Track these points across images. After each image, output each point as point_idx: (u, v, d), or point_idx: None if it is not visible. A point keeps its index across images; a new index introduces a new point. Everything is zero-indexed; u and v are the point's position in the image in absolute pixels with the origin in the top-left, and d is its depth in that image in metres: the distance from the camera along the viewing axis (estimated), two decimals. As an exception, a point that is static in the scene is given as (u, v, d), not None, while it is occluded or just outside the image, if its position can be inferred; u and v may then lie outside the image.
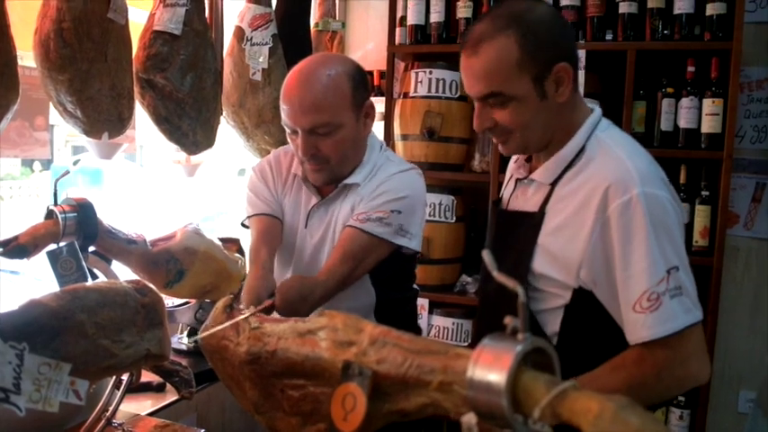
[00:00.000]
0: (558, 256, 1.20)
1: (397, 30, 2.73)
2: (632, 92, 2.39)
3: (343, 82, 1.43)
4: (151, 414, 1.49)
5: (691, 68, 2.37)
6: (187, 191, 2.57)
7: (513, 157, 1.45)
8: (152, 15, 1.80)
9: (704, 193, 2.39)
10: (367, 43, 3.00)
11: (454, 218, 2.64)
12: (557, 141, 1.26)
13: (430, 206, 2.62)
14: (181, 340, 1.87)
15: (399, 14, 2.75)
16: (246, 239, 1.75)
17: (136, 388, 1.40)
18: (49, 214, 1.49)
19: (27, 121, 1.68)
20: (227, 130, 2.20)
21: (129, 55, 1.71)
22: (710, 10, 2.32)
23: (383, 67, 2.79)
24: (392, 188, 1.47)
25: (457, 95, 2.62)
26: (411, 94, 2.65)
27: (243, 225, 1.65)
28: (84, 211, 1.50)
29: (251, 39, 2.12)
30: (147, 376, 1.35)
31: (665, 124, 2.41)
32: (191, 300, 1.88)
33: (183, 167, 2.17)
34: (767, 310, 2.54)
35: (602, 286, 1.18)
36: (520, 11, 1.20)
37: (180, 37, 1.79)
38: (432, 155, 2.62)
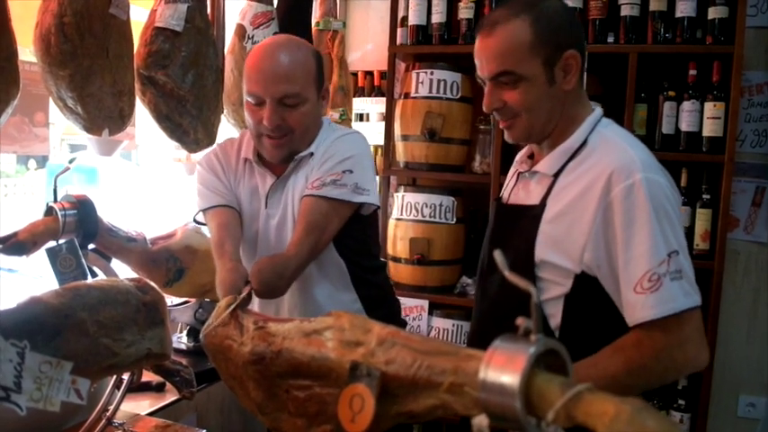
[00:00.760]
0: (561, 240, 1.22)
1: (399, 30, 2.72)
2: (634, 95, 2.38)
3: (309, 59, 1.47)
4: (151, 414, 1.48)
5: (692, 72, 2.37)
6: (185, 189, 2.55)
7: (517, 157, 1.46)
8: (153, 12, 1.79)
9: (705, 196, 2.38)
10: (367, 43, 2.99)
11: (454, 219, 2.64)
12: (560, 133, 1.29)
13: (430, 207, 2.61)
14: (180, 339, 1.85)
15: (401, 15, 2.74)
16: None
17: (136, 387, 1.38)
18: (49, 211, 1.47)
19: (26, 117, 1.67)
20: (226, 129, 2.19)
21: (131, 51, 1.69)
22: (712, 14, 2.32)
23: (384, 67, 2.79)
24: (338, 150, 1.49)
25: (458, 96, 2.61)
26: (412, 95, 2.64)
27: (195, 221, 1.62)
28: (84, 208, 1.49)
29: (252, 37, 2.11)
30: (147, 376, 1.34)
31: (666, 127, 2.41)
32: (190, 299, 1.86)
33: (183, 165, 2.15)
34: (766, 315, 2.54)
35: (604, 269, 1.20)
36: (535, 0, 1.27)
37: (181, 34, 1.78)
38: (432, 156, 2.61)
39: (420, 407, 0.76)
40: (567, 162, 1.27)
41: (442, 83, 2.59)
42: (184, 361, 1.34)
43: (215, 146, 1.67)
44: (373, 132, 2.84)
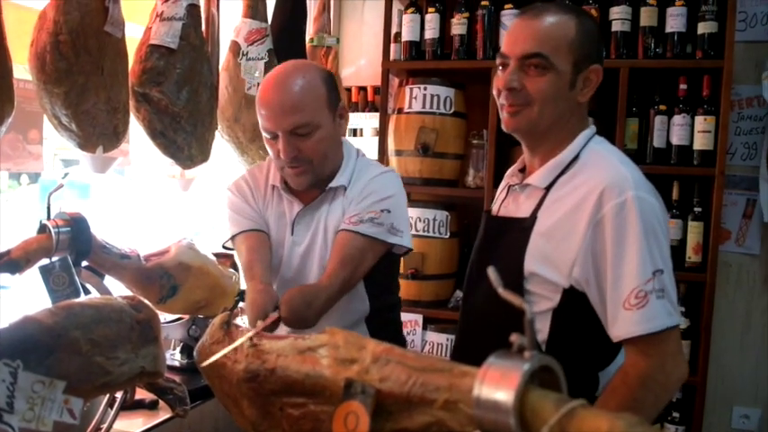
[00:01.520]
0: (551, 255, 1.23)
1: (392, 46, 2.75)
2: (625, 109, 2.41)
3: (317, 84, 1.46)
4: (144, 432, 1.46)
5: (683, 86, 2.40)
6: (178, 205, 2.55)
7: (508, 171, 1.47)
8: (148, 29, 1.80)
9: (697, 209, 2.40)
10: (361, 59, 3.01)
11: (448, 233, 2.64)
12: (555, 142, 1.30)
13: (424, 222, 2.61)
14: (174, 356, 1.84)
15: (394, 30, 2.76)
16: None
17: (129, 405, 1.37)
18: (42, 228, 1.47)
19: (20, 134, 1.67)
20: (219, 145, 2.19)
21: (126, 68, 1.70)
22: (702, 29, 2.35)
23: (377, 82, 2.80)
24: (378, 188, 1.51)
25: (451, 111, 2.63)
26: (405, 110, 2.65)
27: (224, 247, 1.64)
28: (77, 225, 1.48)
29: (247, 53, 2.13)
30: (140, 393, 1.33)
31: (657, 141, 2.43)
32: (184, 315, 1.86)
33: (178, 182, 2.15)
34: (758, 326, 2.55)
35: (592, 285, 1.21)
36: (579, 9, 1.34)
37: (176, 51, 1.79)
38: (426, 170, 2.63)
39: (414, 424, 0.75)
40: (559, 176, 1.28)
41: (435, 98, 2.61)
42: (178, 378, 1.34)
43: (245, 172, 1.69)
44: (367, 147, 2.84)
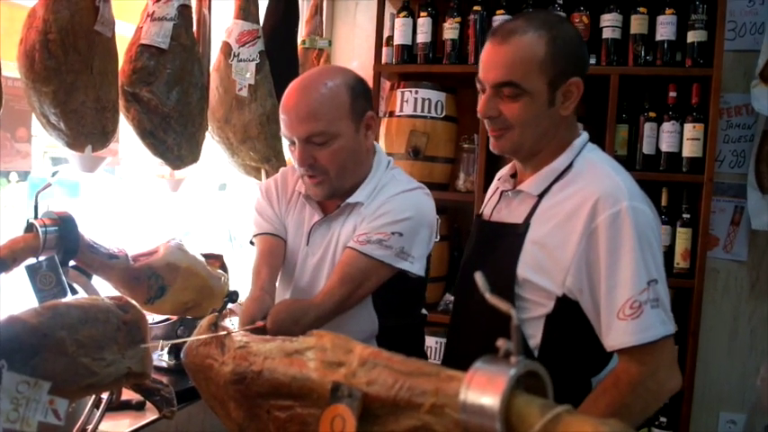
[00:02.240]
0: (544, 263, 1.23)
1: (384, 49, 2.75)
2: (615, 115, 2.42)
3: (341, 92, 1.41)
4: (130, 434, 1.45)
5: (672, 94, 2.41)
6: (167, 205, 2.54)
7: (498, 174, 1.47)
8: (139, 29, 1.79)
9: (685, 215, 2.42)
10: (352, 62, 3.01)
11: (438, 237, 2.63)
12: (547, 154, 1.30)
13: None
14: (161, 357, 1.83)
15: (386, 34, 2.77)
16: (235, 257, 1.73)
17: (115, 407, 1.36)
18: (29, 227, 1.46)
19: (9, 133, 1.65)
20: (209, 145, 2.18)
21: (115, 68, 1.69)
22: (692, 37, 2.37)
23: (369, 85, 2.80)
24: (394, 209, 1.43)
25: (442, 115, 2.63)
26: (397, 114, 2.66)
27: (251, 243, 1.62)
28: (65, 224, 1.47)
29: (238, 54, 2.12)
30: (126, 394, 1.32)
31: (647, 148, 2.45)
32: (172, 316, 1.85)
33: (167, 182, 2.14)
34: (745, 332, 2.58)
35: (586, 294, 1.21)
36: (553, 20, 1.28)
37: (167, 51, 1.78)
38: (416, 174, 2.62)
39: (401, 428, 0.75)
40: (552, 184, 1.28)
41: (426, 102, 2.61)
42: (165, 379, 1.33)
43: (280, 171, 1.66)
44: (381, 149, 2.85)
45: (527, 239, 1.25)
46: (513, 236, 1.28)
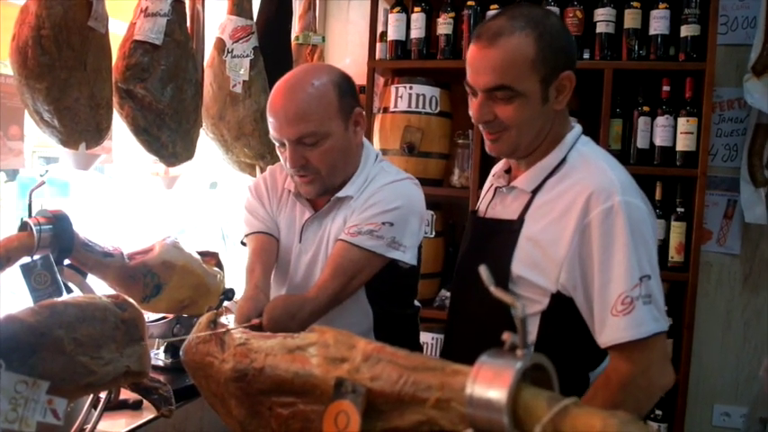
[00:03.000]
0: (539, 260, 1.23)
1: (378, 45, 2.74)
2: (609, 110, 2.43)
3: (328, 90, 1.40)
4: (127, 433, 1.45)
5: (666, 88, 2.42)
6: (161, 203, 2.52)
7: (493, 170, 1.47)
8: (132, 25, 1.77)
9: (679, 209, 2.43)
10: (346, 57, 3.00)
11: (433, 233, 2.64)
12: (541, 150, 1.29)
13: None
14: (158, 356, 1.82)
15: (380, 30, 2.76)
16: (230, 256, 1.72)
17: (113, 406, 1.35)
18: (24, 226, 1.44)
19: (1, 131, 1.63)
20: (202, 142, 2.17)
21: (109, 64, 1.67)
22: (685, 31, 2.38)
23: (362, 81, 2.78)
24: (384, 199, 1.43)
25: (437, 111, 2.63)
26: (391, 109, 2.65)
27: (242, 243, 1.62)
28: (59, 223, 1.46)
29: (232, 51, 2.11)
30: (124, 393, 1.31)
31: (641, 142, 2.46)
32: (168, 315, 1.84)
33: (161, 179, 2.13)
34: (739, 325, 2.59)
35: (579, 290, 1.21)
36: (537, 15, 1.24)
37: (160, 47, 1.76)
38: (411, 170, 2.60)
39: (406, 423, 0.75)
40: (546, 179, 1.28)
41: (420, 97, 2.61)
42: (162, 378, 1.32)
43: (267, 169, 1.65)
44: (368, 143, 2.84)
45: (521, 236, 1.25)
46: (508, 232, 1.27)
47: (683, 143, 2.39)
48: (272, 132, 1.42)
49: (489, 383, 0.64)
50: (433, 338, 2.62)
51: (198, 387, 1.06)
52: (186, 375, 1.15)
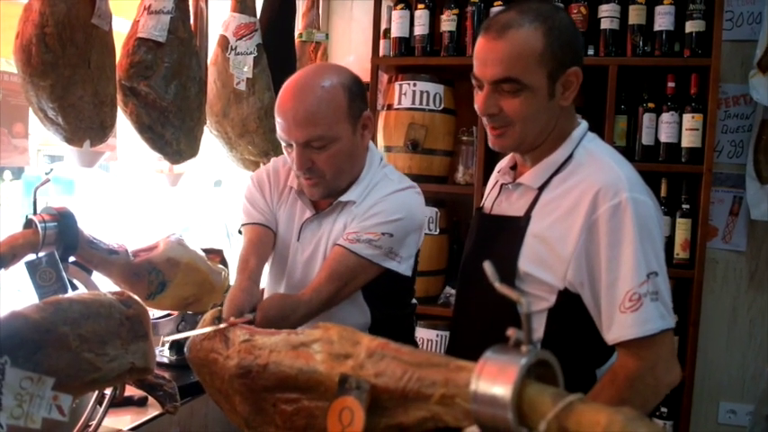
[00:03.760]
0: (546, 257, 1.22)
1: (381, 42, 2.74)
2: (614, 106, 2.42)
3: (338, 93, 1.39)
4: (133, 429, 1.45)
5: (671, 84, 2.41)
6: (166, 201, 2.53)
7: (497, 167, 1.47)
8: (136, 22, 1.77)
9: (685, 206, 2.42)
10: (350, 55, 3.00)
11: (438, 230, 2.64)
12: (547, 146, 1.29)
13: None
14: (163, 353, 1.83)
15: (383, 27, 2.76)
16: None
17: (118, 402, 1.36)
18: (28, 223, 1.44)
19: (5, 128, 1.64)
20: (207, 140, 2.17)
21: (113, 62, 1.67)
22: (690, 27, 2.37)
23: (366, 78, 2.78)
24: (386, 209, 1.43)
25: (441, 108, 2.62)
26: (395, 107, 2.65)
27: (239, 232, 1.61)
28: (64, 220, 1.46)
29: (235, 48, 2.11)
30: (129, 390, 1.31)
31: (646, 138, 2.44)
32: (173, 312, 1.84)
33: (166, 177, 2.13)
34: (744, 322, 2.58)
35: (586, 287, 1.20)
36: (547, 10, 1.24)
37: (164, 44, 1.76)
38: (415, 167, 2.62)
39: (410, 419, 0.75)
40: (553, 176, 1.27)
41: (424, 94, 2.60)
42: (167, 375, 1.33)
43: (270, 163, 1.64)
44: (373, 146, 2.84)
45: (528, 233, 1.24)
46: (514, 229, 1.27)
47: (689, 139, 2.38)
48: (280, 133, 1.41)
49: (494, 379, 0.63)
50: (437, 336, 2.62)
51: (202, 383, 1.06)
52: (191, 372, 1.15)
